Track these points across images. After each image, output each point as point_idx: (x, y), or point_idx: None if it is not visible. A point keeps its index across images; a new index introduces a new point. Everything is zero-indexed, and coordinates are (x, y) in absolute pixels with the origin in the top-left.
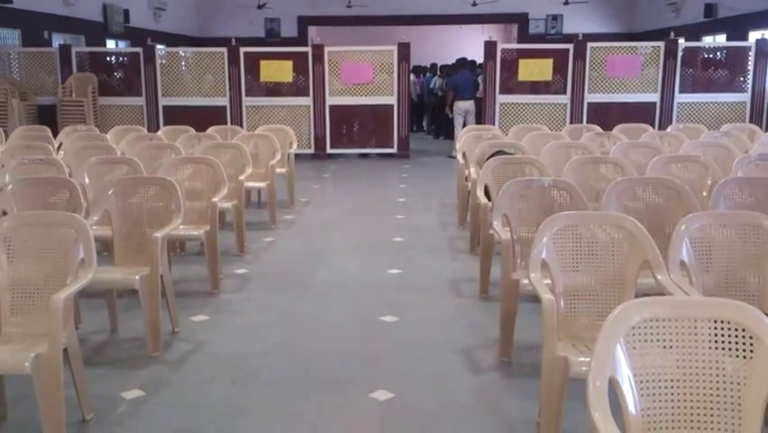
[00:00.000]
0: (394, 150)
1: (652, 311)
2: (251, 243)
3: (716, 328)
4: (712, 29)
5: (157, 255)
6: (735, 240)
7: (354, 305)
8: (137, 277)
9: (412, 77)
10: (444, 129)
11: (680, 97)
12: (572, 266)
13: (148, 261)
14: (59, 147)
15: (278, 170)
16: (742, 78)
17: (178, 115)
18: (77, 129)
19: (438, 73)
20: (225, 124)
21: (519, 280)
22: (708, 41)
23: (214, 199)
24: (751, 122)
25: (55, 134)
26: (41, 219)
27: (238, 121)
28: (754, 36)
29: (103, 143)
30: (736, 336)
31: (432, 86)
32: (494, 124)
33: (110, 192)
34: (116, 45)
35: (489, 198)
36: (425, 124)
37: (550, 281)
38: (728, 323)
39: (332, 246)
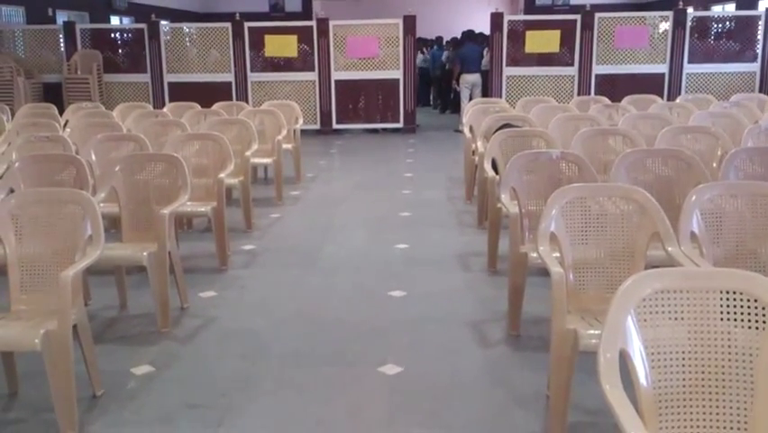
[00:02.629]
0: (400, 124)
1: (662, 283)
2: (257, 219)
3: (727, 299)
4: None
5: (164, 232)
6: (745, 211)
7: (362, 279)
8: (145, 253)
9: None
10: (451, 103)
11: (689, 68)
12: (581, 239)
13: (155, 237)
14: (65, 124)
15: (285, 145)
16: (751, 48)
17: (183, 92)
18: (83, 106)
19: (444, 46)
20: (231, 100)
21: (528, 253)
22: (717, 10)
23: (221, 176)
24: (761, 92)
25: (61, 112)
26: (48, 196)
27: (243, 97)
28: (763, 5)
29: (109, 120)
30: (748, 307)
31: (440, 59)
32: (501, 96)
33: (117, 169)
34: (120, 22)
35: (497, 172)
36: (431, 98)
37: (559, 254)
38: (740, 294)
39: (339, 221)
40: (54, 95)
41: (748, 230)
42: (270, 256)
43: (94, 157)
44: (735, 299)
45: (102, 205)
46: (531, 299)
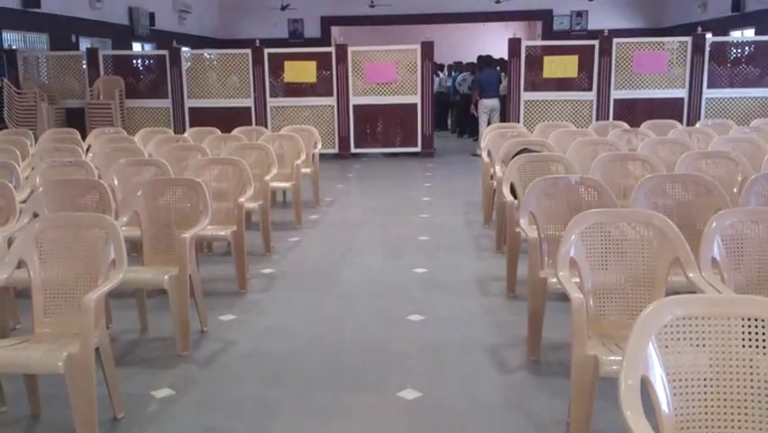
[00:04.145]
0: (418, 149)
1: (684, 309)
2: (277, 242)
3: (749, 326)
4: (740, 23)
5: (185, 256)
6: (766, 237)
7: (380, 303)
8: (166, 277)
9: (437, 77)
10: (469, 128)
11: (708, 93)
12: (601, 264)
13: (176, 261)
14: (87, 149)
15: (303, 170)
16: None
17: (203, 117)
18: (105, 131)
19: (460, 71)
20: (250, 125)
21: (547, 278)
22: (736, 35)
23: (241, 200)
24: None
25: (83, 137)
26: (71, 221)
27: (262, 122)
28: None
29: (131, 145)
30: None
31: (458, 84)
32: (519, 121)
33: (139, 193)
34: (142, 48)
35: (515, 197)
36: (449, 122)
37: (578, 279)
38: (762, 321)
39: (357, 245)
40: (77, 120)
41: None
42: (289, 280)
43: (116, 181)
44: (756, 326)
45: (124, 228)
46: (550, 325)
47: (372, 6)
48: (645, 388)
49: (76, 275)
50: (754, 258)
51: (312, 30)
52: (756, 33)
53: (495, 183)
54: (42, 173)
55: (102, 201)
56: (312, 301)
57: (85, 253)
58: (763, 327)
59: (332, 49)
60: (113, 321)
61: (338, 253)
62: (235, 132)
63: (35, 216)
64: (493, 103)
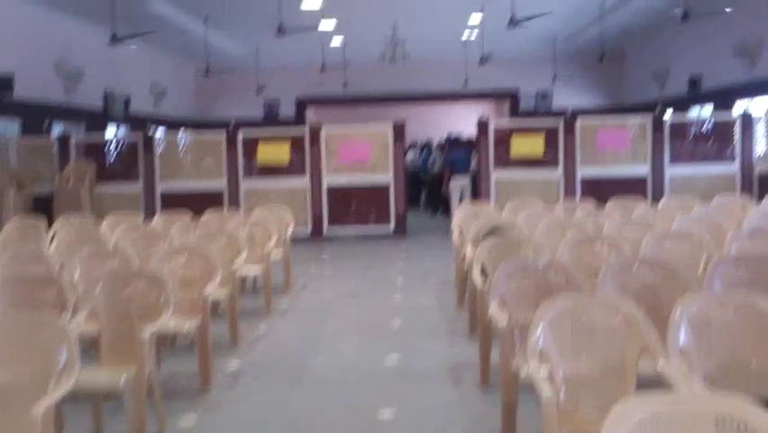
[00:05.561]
0: (391, 228)
1: (652, 408)
2: (245, 331)
3: (717, 423)
4: (697, 100)
5: (144, 356)
6: (733, 321)
7: (352, 396)
8: (122, 380)
9: (410, 154)
10: (442, 205)
11: (670, 169)
12: (571, 353)
13: (135, 358)
14: (52, 238)
15: (274, 253)
16: (729, 149)
17: (175, 200)
18: (72, 219)
19: (430, 149)
20: (222, 206)
21: (519, 370)
22: (694, 112)
23: (206, 291)
24: (742, 191)
25: (52, 224)
26: (22, 321)
27: (235, 203)
28: (739, 106)
29: (96, 234)
30: (738, 431)
31: (429, 163)
32: (490, 199)
33: (98, 287)
34: (117, 129)
35: (487, 278)
36: (422, 200)
37: (550, 367)
38: (730, 418)
39: (328, 332)
40: (46, 206)
41: (737, 340)
42: (256, 373)
43: (78, 273)
44: (725, 423)
45: (83, 324)
46: (526, 415)
47: (346, 87)
48: None
49: (26, 378)
50: (723, 343)
51: (287, 110)
52: (715, 109)
53: (467, 264)
54: (3, 267)
55: (60, 297)
56: (280, 398)
57: (36, 355)
58: (732, 423)
59: (305, 130)
60: (65, 427)
61: (309, 341)
62: (206, 215)
63: None
64: (464, 181)
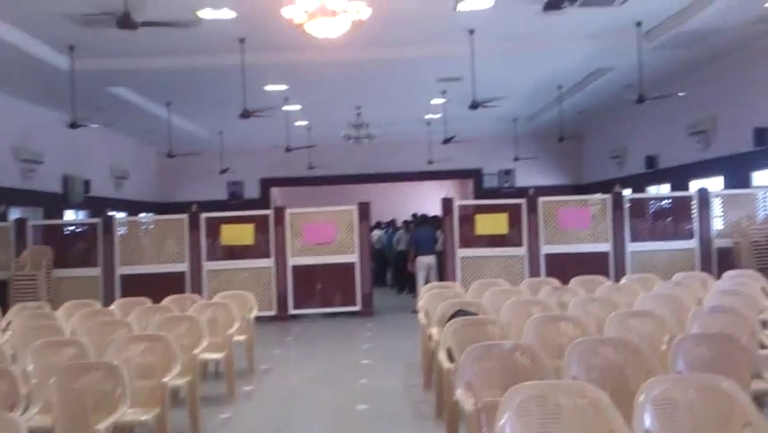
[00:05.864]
0: (357, 307)
1: None
2: (205, 420)
3: None
4: (655, 179)
5: None
6: (697, 402)
7: None
8: None
9: (376, 232)
10: (408, 283)
11: (631, 246)
12: None
13: None
14: (6, 326)
15: (237, 337)
16: (688, 226)
17: (135, 284)
18: (27, 306)
19: (396, 228)
20: (184, 290)
21: None
22: (652, 190)
23: (165, 380)
24: (702, 268)
25: (6, 311)
26: None
27: (197, 286)
28: (695, 185)
29: (51, 323)
30: None
31: (394, 242)
32: (455, 278)
33: (52, 380)
34: (76, 214)
35: (453, 360)
36: (387, 278)
37: None
38: None
39: (293, 420)
40: (1, 293)
41: (702, 421)
42: None
43: (31, 365)
44: None
45: (36, 417)
46: None
47: (311, 168)
48: None
49: None
50: (687, 424)
51: (252, 191)
52: (672, 189)
53: (433, 345)
54: None
55: (11, 391)
56: None
57: None
58: None
59: (270, 211)
60: None
61: (272, 428)
62: (166, 301)
63: None
64: (429, 260)
